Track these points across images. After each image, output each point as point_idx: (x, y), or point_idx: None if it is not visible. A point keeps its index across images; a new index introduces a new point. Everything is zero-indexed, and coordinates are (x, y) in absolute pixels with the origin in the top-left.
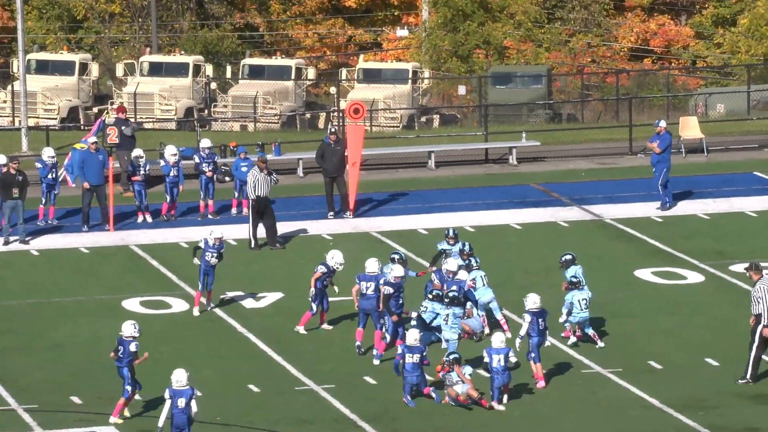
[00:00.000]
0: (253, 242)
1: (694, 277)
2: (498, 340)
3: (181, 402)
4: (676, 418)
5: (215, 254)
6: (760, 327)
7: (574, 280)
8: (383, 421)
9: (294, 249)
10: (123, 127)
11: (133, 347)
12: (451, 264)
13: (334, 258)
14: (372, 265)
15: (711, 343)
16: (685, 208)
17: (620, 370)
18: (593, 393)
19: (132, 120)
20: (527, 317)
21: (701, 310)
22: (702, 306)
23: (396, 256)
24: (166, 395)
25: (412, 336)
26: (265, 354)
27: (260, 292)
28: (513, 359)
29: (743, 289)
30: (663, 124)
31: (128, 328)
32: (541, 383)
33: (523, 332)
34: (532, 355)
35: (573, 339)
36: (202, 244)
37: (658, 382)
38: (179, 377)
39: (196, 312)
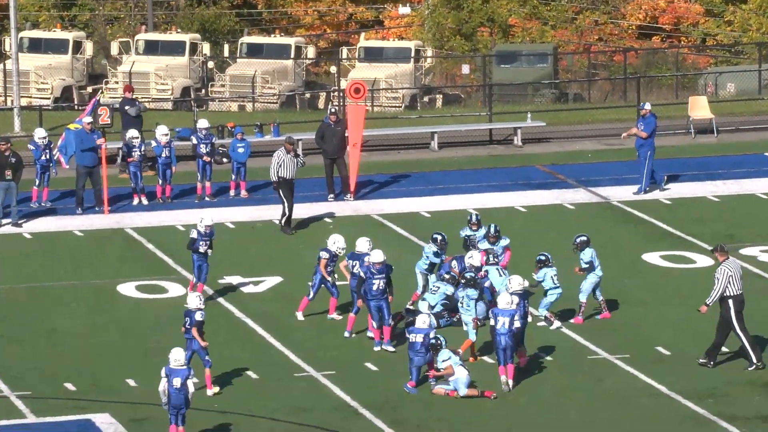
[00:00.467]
0: (285, 224)
1: (703, 261)
2: (504, 301)
3: (177, 381)
4: (686, 406)
5: (208, 242)
6: (731, 311)
7: (584, 265)
8: (384, 409)
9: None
10: (128, 107)
11: (199, 316)
12: (475, 259)
13: (336, 243)
14: (362, 245)
15: None
16: (694, 190)
17: (628, 356)
18: (600, 380)
19: (138, 100)
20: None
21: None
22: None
23: (438, 237)
24: (163, 373)
25: (421, 319)
26: (263, 340)
27: (258, 276)
28: (518, 323)
29: (754, 273)
30: (648, 106)
31: (194, 300)
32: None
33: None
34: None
35: (557, 324)
36: (194, 235)
37: (667, 369)
38: (177, 356)
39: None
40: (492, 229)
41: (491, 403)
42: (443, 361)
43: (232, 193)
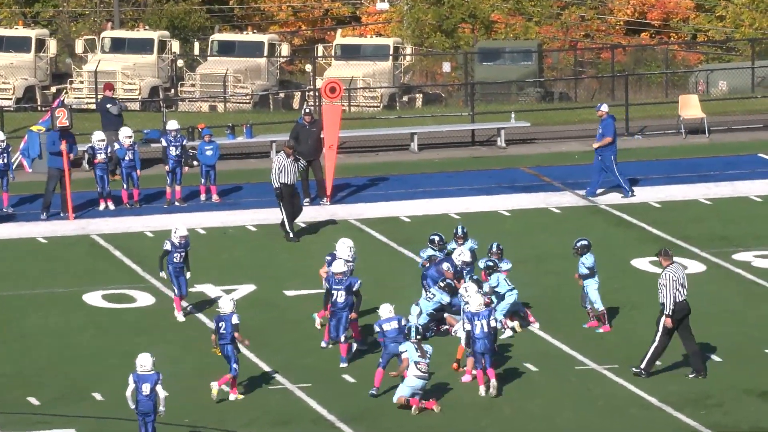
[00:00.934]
0: (290, 233)
1: (695, 267)
2: (476, 303)
3: (146, 387)
4: (677, 418)
5: (183, 253)
6: (662, 317)
7: (585, 271)
8: (364, 421)
9: (265, 237)
10: (109, 106)
11: (235, 319)
12: (465, 255)
13: (351, 249)
14: (342, 249)
15: (714, 336)
16: (685, 192)
17: (616, 366)
18: (588, 390)
19: (118, 99)
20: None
21: (703, 302)
22: (704, 297)
23: (436, 238)
24: (130, 380)
25: (386, 309)
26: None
27: (231, 284)
28: (494, 323)
29: (748, 279)
30: (605, 108)
31: (227, 304)
32: (467, 378)
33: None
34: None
35: (508, 331)
36: (168, 247)
37: (657, 379)
38: (143, 362)
39: (180, 317)
40: (459, 230)
41: (475, 413)
42: (402, 352)
43: (202, 197)
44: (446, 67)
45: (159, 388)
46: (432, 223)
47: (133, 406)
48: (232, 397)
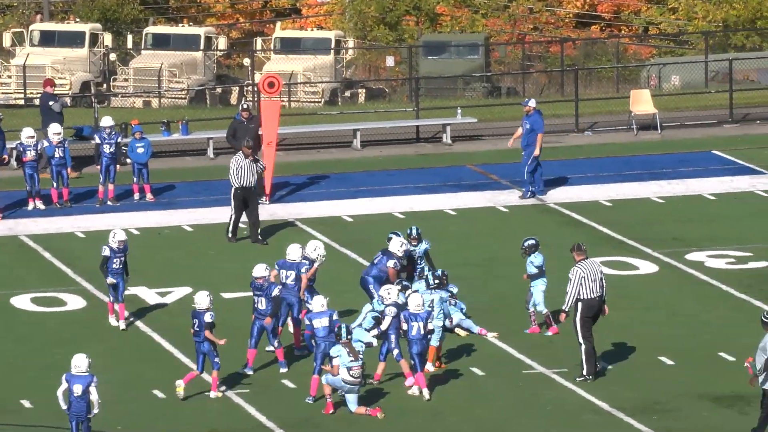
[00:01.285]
0: (231, 233)
1: (647, 267)
2: (415, 303)
3: (78, 389)
4: (627, 423)
5: (122, 258)
6: (578, 315)
7: (534, 270)
8: (305, 429)
9: (202, 238)
10: (51, 103)
11: (208, 317)
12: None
13: (317, 249)
14: (294, 252)
15: (666, 339)
16: (637, 191)
17: (566, 370)
18: (537, 396)
19: (59, 95)
20: (392, 310)
21: (655, 304)
22: (656, 299)
23: (414, 229)
24: (63, 380)
25: (319, 302)
26: (171, 356)
27: (166, 286)
28: (431, 326)
29: (701, 279)
30: (532, 103)
31: (203, 300)
32: (410, 380)
33: (384, 326)
34: (396, 351)
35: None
36: (106, 253)
37: (609, 383)
38: (79, 362)
39: (122, 325)
40: (413, 231)
41: (419, 420)
42: (334, 357)
43: (136, 196)
44: (390, 61)
45: (93, 389)
46: (375, 223)
47: (64, 407)
48: (212, 394)
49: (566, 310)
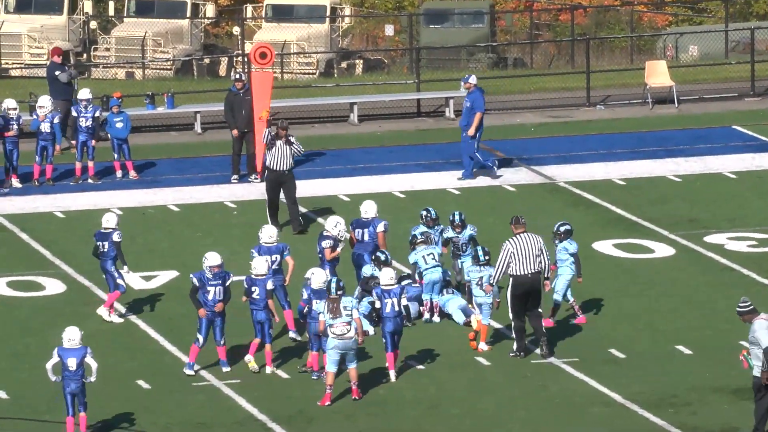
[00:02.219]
0: (272, 224)
1: (663, 251)
2: (387, 276)
3: (72, 362)
4: (643, 417)
5: (112, 245)
6: (508, 291)
7: (569, 257)
8: (297, 422)
9: (189, 219)
10: (57, 72)
11: (270, 284)
12: (341, 225)
13: (338, 225)
14: (269, 234)
15: (682, 328)
16: (652, 168)
17: (576, 360)
18: (545, 387)
19: (69, 65)
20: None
21: (671, 290)
22: (672, 284)
23: (424, 212)
24: (54, 354)
25: (320, 277)
26: (156, 344)
27: (150, 270)
28: (404, 301)
29: (720, 263)
30: (473, 80)
31: (262, 266)
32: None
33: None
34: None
35: (427, 315)
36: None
37: (621, 374)
38: (72, 335)
39: (116, 319)
40: (457, 217)
41: (417, 413)
42: (319, 313)
43: (118, 174)
44: (389, 30)
45: (90, 360)
46: (374, 202)
47: (53, 378)
48: (269, 369)
49: (492, 283)
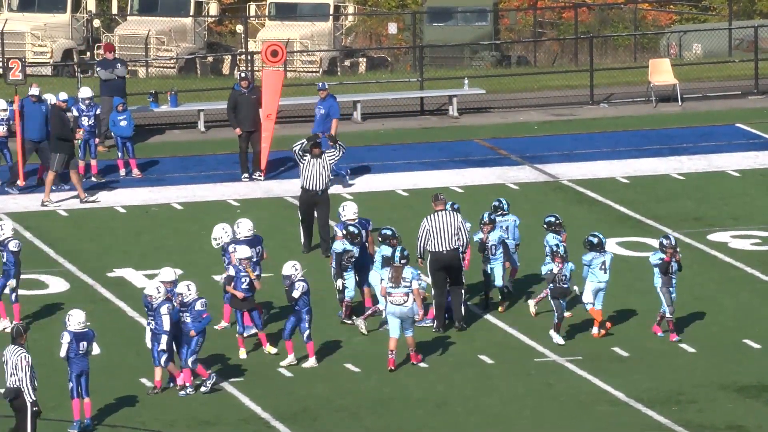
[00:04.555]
0: (304, 247)
1: None
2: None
3: (83, 345)
4: (647, 415)
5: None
6: (428, 269)
7: (555, 248)
8: (302, 420)
9: (192, 217)
10: (98, 69)
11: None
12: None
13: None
14: (245, 229)
15: (687, 325)
16: (655, 167)
17: (580, 358)
18: (549, 385)
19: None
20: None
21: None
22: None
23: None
24: (65, 339)
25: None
26: None
27: (153, 268)
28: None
29: (724, 261)
30: (327, 87)
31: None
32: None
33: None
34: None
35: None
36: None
37: (626, 371)
38: (80, 318)
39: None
40: (504, 204)
41: (422, 411)
42: (382, 279)
43: (122, 172)
44: (392, 28)
45: (95, 345)
46: (377, 201)
47: (64, 355)
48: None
49: (418, 259)
